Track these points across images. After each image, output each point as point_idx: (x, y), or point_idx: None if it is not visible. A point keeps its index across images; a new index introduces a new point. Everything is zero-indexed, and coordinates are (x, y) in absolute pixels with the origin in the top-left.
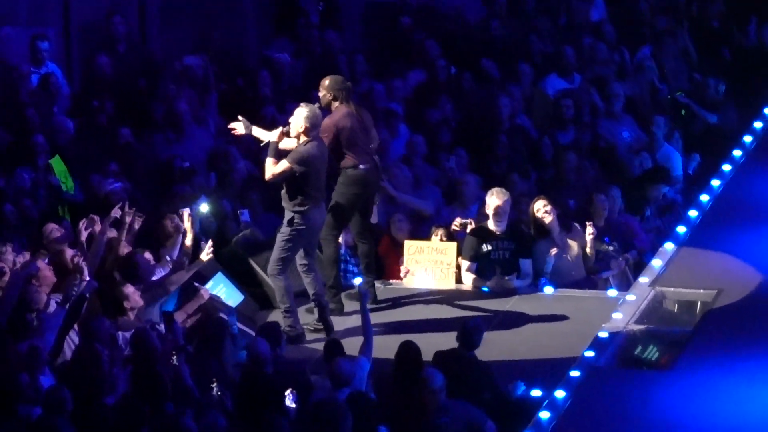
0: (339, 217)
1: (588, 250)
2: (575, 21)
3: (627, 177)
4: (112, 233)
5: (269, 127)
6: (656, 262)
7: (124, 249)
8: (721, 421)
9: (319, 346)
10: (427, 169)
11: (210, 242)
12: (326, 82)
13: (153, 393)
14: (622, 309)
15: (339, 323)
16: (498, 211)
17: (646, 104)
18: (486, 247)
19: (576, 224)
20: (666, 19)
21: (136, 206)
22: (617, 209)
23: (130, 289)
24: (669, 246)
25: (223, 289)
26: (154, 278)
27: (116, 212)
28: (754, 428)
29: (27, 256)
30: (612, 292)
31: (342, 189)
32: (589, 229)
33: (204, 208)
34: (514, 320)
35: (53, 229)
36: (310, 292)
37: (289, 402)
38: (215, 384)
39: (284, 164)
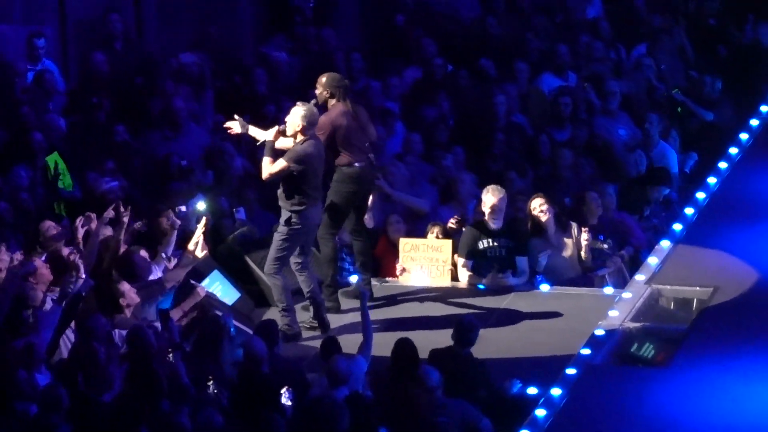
0: (335, 215)
1: (583, 254)
2: (572, 19)
3: (623, 174)
4: (108, 231)
5: (271, 125)
6: (652, 260)
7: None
8: (717, 418)
9: (315, 344)
10: (423, 167)
11: (202, 239)
12: (323, 79)
13: (149, 391)
14: (618, 306)
15: (336, 321)
16: (494, 209)
17: (642, 102)
18: (482, 245)
19: (573, 223)
20: (662, 17)
21: (132, 204)
22: (612, 206)
23: (126, 286)
24: (665, 243)
25: (219, 287)
26: (151, 276)
27: (110, 213)
28: (749, 425)
29: (19, 255)
30: (608, 290)
31: (337, 187)
32: (585, 236)
33: (201, 206)
34: (510, 318)
35: (50, 227)
36: (305, 290)
37: (285, 400)
38: (211, 382)
39: (281, 163)
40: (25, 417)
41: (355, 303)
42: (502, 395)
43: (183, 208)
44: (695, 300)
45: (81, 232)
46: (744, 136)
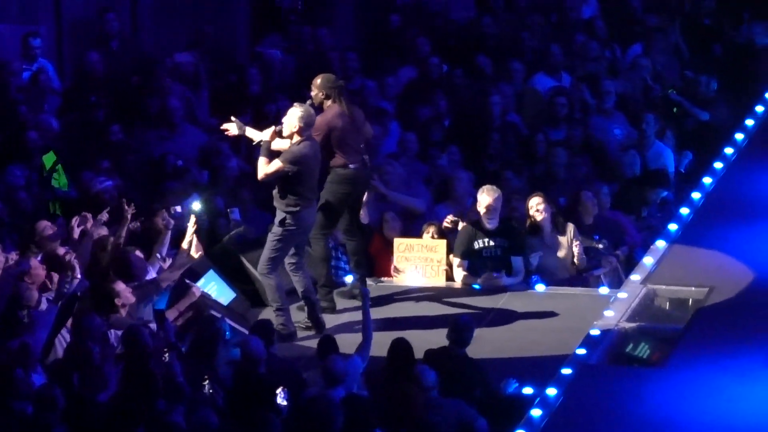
0: (328, 215)
1: (576, 260)
2: (567, 18)
3: (618, 174)
4: (103, 231)
5: (271, 125)
6: (648, 260)
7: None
8: (713, 418)
9: (311, 343)
10: (418, 167)
11: (196, 239)
12: (318, 80)
13: (145, 391)
14: (613, 306)
15: (331, 321)
16: (489, 209)
17: (638, 101)
18: (478, 245)
19: (570, 225)
20: (658, 16)
21: (128, 204)
22: (607, 206)
23: (121, 286)
24: (660, 243)
25: (214, 287)
26: (146, 276)
27: (104, 216)
28: (745, 425)
29: (15, 254)
30: (603, 290)
31: (331, 188)
32: (575, 250)
33: (196, 205)
34: (505, 318)
35: (46, 227)
36: (299, 290)
37: (281, 400)
38: (207, 382)
39: (277, 164)
40: (22, 416)
41: (351, 303)
42: (497, 395)
43: (178, 208)
44: (691, 300)
45: (77, 232)
46: (739, 136)
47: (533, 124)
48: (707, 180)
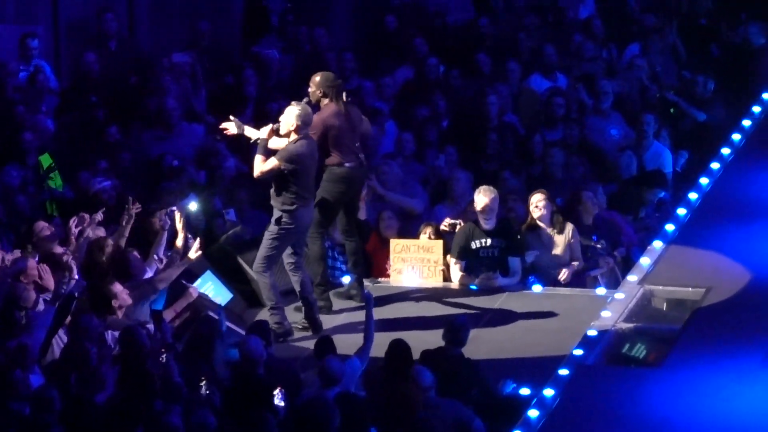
0: (324, 214)
1: (573, 262)
2: (564, 18)
3: (614, 175)
4: (100, 232)
5: (271, 123)
6: (645, 261)
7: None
8: (709, 418)
9: (308, 344)
10: (415, 167)
11: (198, 240)
12: (317, 78)
13: (142, 391)
14: (610, 307)
15: (329, 322)
16: (486, 209)
17: (635, 102)
18: (475, 245)
19: (570, 225)
20: (655, 17)
21: (125, 204)
22: (603, 206)
23: (118, 287)
24: (657, 244)
25: (211, 288)
26: (144, 277)
27: (99, 216)
28: (741, 425)
29: (12, 255)
30: (601, 291)
31: (327, 186)
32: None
33: (192, 206)
34: (502, 318)
35: (44, 228)
36: (298, 290)
37: (278, 401)
38: (204, 382)
39: (273, 162)
40: (21, 417)
41: (348, 303)
42: (494, 396)
43: (175, 209)
44: (687, 301)
45: (75, 233)
46: (736, 137)
47: (530, 125)
48: (704, 180)
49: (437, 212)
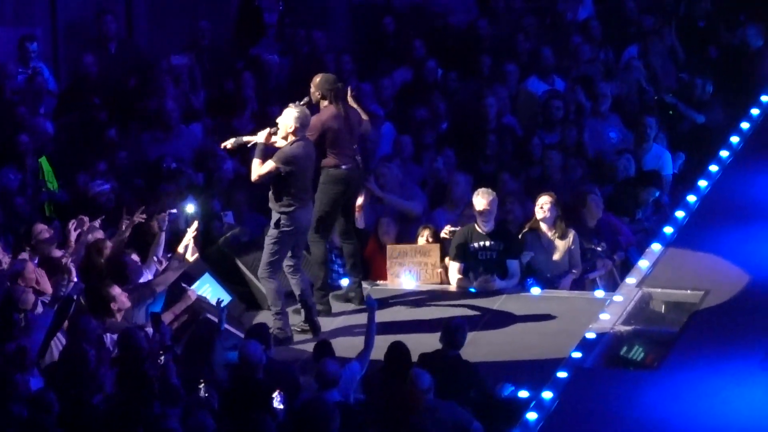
0: (324, 217)
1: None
2: (562, 20)
3: (613, 177)
4: (99, 234)
5: (269, 126)
6: (643, 263)
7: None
8: (707, 421)
9: (307, 347)
10: (413, 169)
11: (192, 242)
12: (317, 79)
13: (140, 393)
14: (609, 310)
15: (327, 325)
16: (484, 212)
17: (633, 104)
18: (473, 247)
19: (572, 231)
20: (653, 19)
21: (123, 206)
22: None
23: (117, 290)
24: (656, 247)
25: (209, 290)
26: (141, 279)
27: (97, 222)
28: (739, 428)
29: (10, 257)
30: (599, 293)
31: (324, 188)
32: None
33: (190, 208)
34: (501, 321)
35: (42, 230)
36: (296, 293)
37: (277, 403)
38: (202, 385)
39: (270, 164)
40: (21, 419)
41: (346, 306)
42: (493, 398)
43: (173, 210)
44: (686, 303)
45: (74, 236)
46: (735, 139)
47: (528, 127)
48: (702, 183)
49: (436, 216)
